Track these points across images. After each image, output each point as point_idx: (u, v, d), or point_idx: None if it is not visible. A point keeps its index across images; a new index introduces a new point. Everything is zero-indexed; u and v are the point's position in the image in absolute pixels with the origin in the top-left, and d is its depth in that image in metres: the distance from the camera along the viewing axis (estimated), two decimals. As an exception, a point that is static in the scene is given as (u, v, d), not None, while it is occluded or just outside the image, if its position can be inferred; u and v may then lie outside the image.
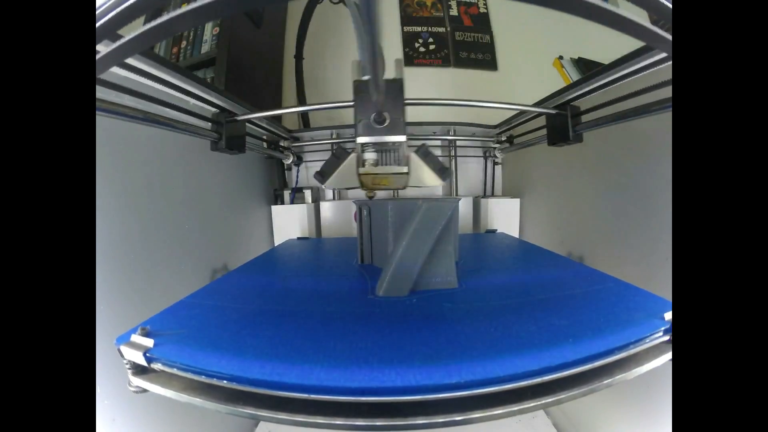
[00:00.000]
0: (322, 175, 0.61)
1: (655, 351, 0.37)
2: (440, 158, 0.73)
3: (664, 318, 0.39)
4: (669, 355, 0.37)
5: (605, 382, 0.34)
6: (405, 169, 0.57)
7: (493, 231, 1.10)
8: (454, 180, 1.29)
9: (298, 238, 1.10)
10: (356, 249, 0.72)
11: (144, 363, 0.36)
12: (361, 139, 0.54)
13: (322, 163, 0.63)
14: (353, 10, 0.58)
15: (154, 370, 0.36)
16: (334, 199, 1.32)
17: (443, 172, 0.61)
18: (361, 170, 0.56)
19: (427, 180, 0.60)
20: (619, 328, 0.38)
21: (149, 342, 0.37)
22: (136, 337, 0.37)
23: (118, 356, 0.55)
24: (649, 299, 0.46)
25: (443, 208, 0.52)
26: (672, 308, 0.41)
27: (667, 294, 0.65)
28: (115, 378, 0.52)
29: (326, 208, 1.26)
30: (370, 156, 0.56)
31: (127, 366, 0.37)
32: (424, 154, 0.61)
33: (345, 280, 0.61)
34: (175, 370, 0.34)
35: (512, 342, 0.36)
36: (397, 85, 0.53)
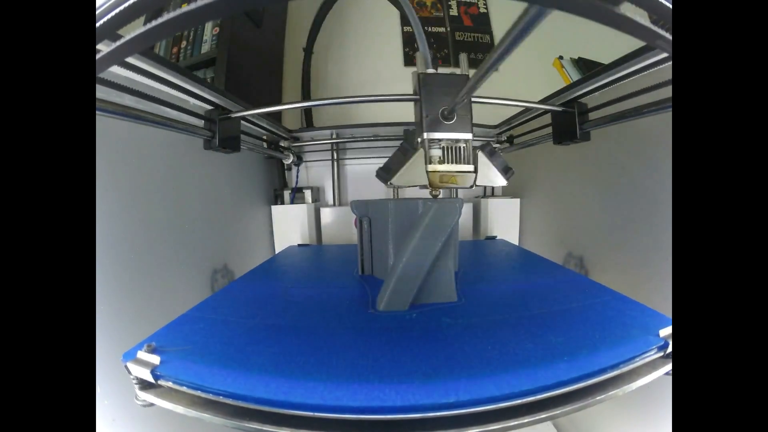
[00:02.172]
0: (387, 171, 0.58)
1: (649, 367, 0.38)
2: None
3: (659, 334, 0.39)
4: (663, 371, 0.38)
5: (599, 398, 0.34)
6: (472, 168, 0.56)
7: (493, 238, 1.10)
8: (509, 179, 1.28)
9: (299, 245, 1.10)
10: (356, 257, 0.72)
11: (151, 380, 0.36)
12: (428, 135, 0.52)
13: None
14: (408, 7, 0.56)
15: (160, 386, 0.37)
16: (334, 204, 1.32)
17: (507, 171, 0.61)
18: (430, 167, 0.54)
19: (493, 179, 0.59)
20: (614, 345, 0.39)
21: (156, 359, 0.37)
22: (142, 354, 0.38)
23: (118, 355, 0.55)
24: (646, 314, 0.47)
25: (452, 209, 0.51)
26: (672, 308, 0.41)
27: (667, 293, 0.65)
28: (115, 378, 0.52)
29: (327, 214, 1.26)
30: (436, 153, 0.54)
31: (134, 381, 0.37)
32: (490, 152, 0.59)
33: (346, 292, 0.62)
34: (181, 387, 0.35)
35: (508, 360, 0.37)
36: (463, 80, 0.53)
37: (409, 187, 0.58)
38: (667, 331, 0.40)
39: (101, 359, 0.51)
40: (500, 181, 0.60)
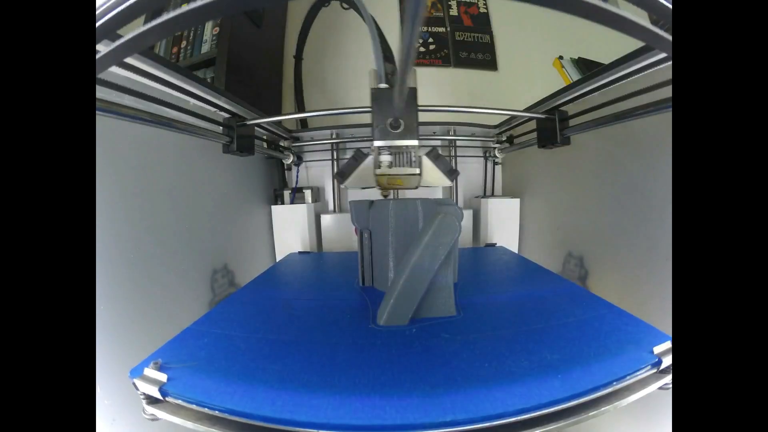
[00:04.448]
0: (342, 175, 0.66)
1: (642, 383, 0.39)
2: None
3: (653, 351, 0.40)
4: (656, 386, 0.39)
5: (591, 413, 0.36)
6: (417, 171, 0.62)
7: (493, 245, 1.10)
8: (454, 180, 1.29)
9: (300, 252, 1.10)
10: (357, 265, 0.73)
11: (159, 396, 0.37)
12: (377, 143, 0.58)
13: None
14: (370, 24, 0.63)
15: (168, 401, 0.37)
16: (334, 210, 1.32)
17: (451, 173, 0.67)
18: (378, 171, 0.61)
19: (437, 181, 0.65)
20: (609, 362, 0.40)
21: (163, 376, 0.38)
22: (149, 371, 0.39)
23: (118, 354, 0.55)
24: (641, 329, 0.47)
25: (453, 227, 0.52)
26: (672, 308, 0.42)
27: (667, 293, 0.65)
28: (115, 378, 0.52)
29: (327, 220, 1.26)
30: (385, 158, 0.60)
31: (141, 396, 0.38)
32: (435, 156, 0.66)
33: (347, 305, 0.62)
34: (188, 404, 0.36)
35: (504, 378, 0.38)
36: (411, 93, 0.58)
37: (362, 189, 0.66)
38: (660, 348, 0.40)
39: (101, 358, 0.51)
40: (445, 181, 0.67)
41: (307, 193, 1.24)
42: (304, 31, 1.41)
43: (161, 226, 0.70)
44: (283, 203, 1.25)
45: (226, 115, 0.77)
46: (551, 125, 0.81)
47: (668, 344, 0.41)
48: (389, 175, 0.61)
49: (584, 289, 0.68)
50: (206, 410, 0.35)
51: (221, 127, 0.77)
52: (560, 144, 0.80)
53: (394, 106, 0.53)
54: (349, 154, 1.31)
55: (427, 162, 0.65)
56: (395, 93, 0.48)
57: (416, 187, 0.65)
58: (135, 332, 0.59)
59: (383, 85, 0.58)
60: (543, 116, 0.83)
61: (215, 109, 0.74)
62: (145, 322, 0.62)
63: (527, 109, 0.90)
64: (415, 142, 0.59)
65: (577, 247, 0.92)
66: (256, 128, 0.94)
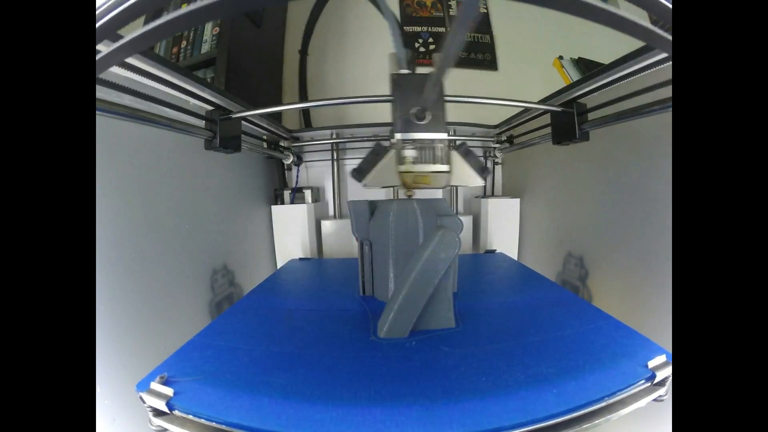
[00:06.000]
0: (360, 172, 0.58)
1: (635, 397, 0.39)
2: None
3: (647, 365, 0.41)
4: (649, 399, 0.40)
5: (585, 426, 0.36)
6: (446, 168, 0.56)
7: (492, 251, 1.10)
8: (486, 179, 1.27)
9: (300, 259, 1.10)
10: (357, 273, 0.73)
11: (166, 410, 0.38)
12: (400, 136, 0.52)
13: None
14: (385, 7, 0.56)
15: (174, 414, 0.38)
16: (335, 216, 1.32)
17: (483, 171, 0.61)
18: (402, 168, 0.54)
19: (468, 179, 0.59)
20: (603, 376, 0.40)
21: (169, 391, 0.39)
22: (155, 385, 0.39)
23: (119, 354, 0.55)
24: (637, 341, 0.48)
25: (452, 242, 0.51)
26: (672, 310, 0.42)
27: (667, 294, 0.65)
28: (114, 377, 0.52)
29: (327, 226, 1.26)
30: (409, 153, 0.54)
31: (148, 408, 0.39)
32: (465, 152, 0.59)
33: (348, 315, 0.63)
34: (195, 418, 0.37)
35: (501, 392, 0.39)
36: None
37: (383, 187, 0.58)
38: (655, 362, 0.41)
39: (101, 358, 0.51)
40: (476, 180, 0.60)
41: (307, 193, 1.24)
42: (310, 25, 1.40)
43: (161, 225, 0.70)
44: (283, 203, 1.25)
45: (209, 107, 0.71)
46: (568, 119, 0.74)
47: (663, 358, 0.41)
48: (415, 172, 0.54)
49: (583, 299, 0.68)
50: (212, 423, 0.36)
51: (204, 122, 0.70)
52: (578, 140, 0.73)
53: (424, 97, 0.47)
54: (349, 155, 1.32)
55: (456, 158, 0.58)
56: (429, 84, 0.42)
57: (445, 186, 0.58)
58: (135, 332, 0.59)
59: (404, 71, 0.53)
60: (559, 109, 0.75)
61: (194, 100, 0.68)
62: (145, 321, 0.62)
63: (542, 101, 0.83)
64: (443, 135, 0.53)
65: (577, 247, 0.92)
66: (252, 126, 0.93)
